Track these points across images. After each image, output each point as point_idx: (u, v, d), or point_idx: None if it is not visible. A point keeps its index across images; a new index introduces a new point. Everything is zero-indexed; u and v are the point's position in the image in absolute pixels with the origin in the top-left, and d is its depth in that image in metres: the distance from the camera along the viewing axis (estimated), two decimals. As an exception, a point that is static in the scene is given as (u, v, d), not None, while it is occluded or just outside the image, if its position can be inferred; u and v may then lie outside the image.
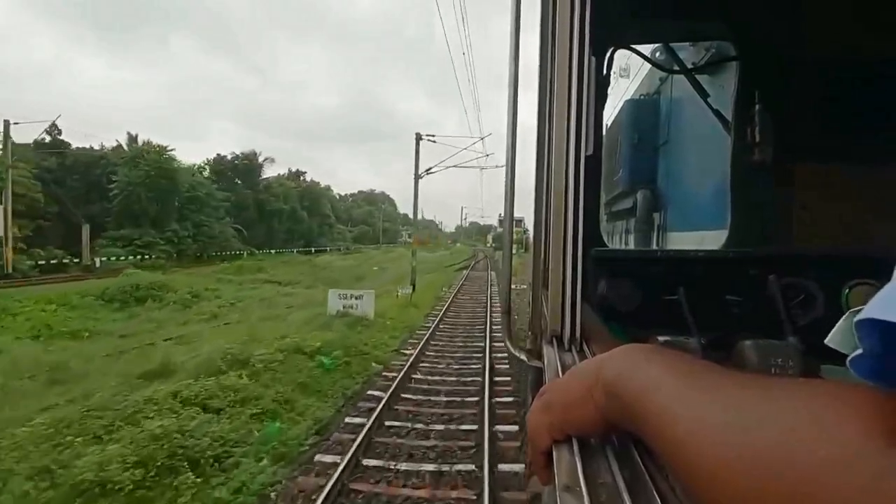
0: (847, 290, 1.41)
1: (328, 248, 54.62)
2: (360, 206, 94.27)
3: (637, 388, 0.39)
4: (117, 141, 36.33)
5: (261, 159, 53.20)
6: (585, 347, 0.92)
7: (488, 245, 65.93)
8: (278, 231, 49.48)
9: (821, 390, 0.29)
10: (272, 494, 4.44)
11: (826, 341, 0.54)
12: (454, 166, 20.83)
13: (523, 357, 1.32)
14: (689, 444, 0.31)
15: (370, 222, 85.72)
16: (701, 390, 0.34)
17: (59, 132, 32.71)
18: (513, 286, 1.46)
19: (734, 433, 0.29)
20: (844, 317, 0.54)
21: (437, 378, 7.92)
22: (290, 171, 61.64)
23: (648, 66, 3.01)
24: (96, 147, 35.08)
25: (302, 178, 61.94)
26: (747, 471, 0.26)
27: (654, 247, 3.53)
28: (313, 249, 50.76)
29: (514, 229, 1.58)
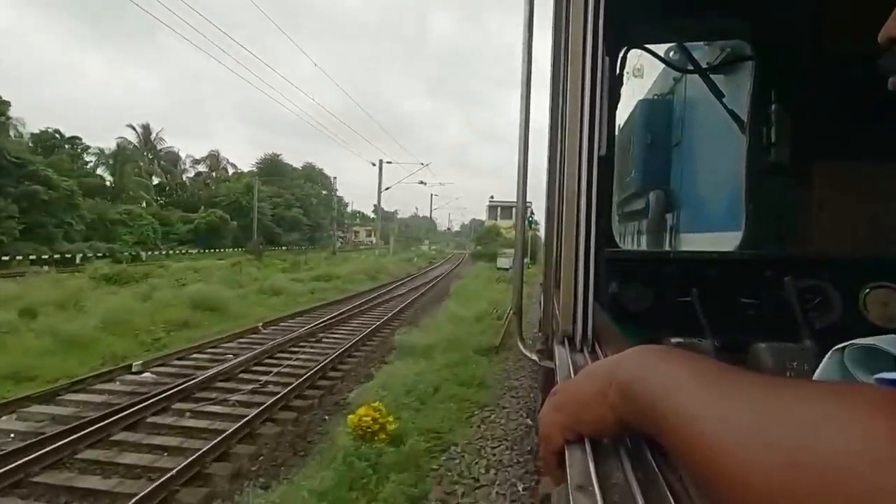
0: (865, 292, 1.39)
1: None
2: (230, 180, 49.54)
3: (654, 388, 0.39)
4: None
5: None
6: (597, 348, 0.92)
7: (476, 247, 42.71)
8: None
9: (850, 391, 0.29)
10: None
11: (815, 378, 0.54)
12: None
13: (534, 357, 1.32)
14: (713, 445, 0.31)
15: (245, 205, 42.72)
16: (723, 391, 0.34)
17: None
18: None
19: (763, 433, 0.29)
20: (829, 355, 0.53)
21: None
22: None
23: (662, 65, 2.99)
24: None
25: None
26: (778, 470, 0.26)
27: (667, 248, 3.50)
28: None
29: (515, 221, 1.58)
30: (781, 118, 1.81)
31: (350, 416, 4.41)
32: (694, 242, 3.00)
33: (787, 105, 1.81)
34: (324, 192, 63.29)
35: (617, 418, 0.44)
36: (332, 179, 66.16)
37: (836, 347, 0.52)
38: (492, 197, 55.13)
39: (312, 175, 62.41)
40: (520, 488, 4.15)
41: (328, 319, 11.44)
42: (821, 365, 0.54)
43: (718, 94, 2.24)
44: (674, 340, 1.23)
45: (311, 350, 8.92)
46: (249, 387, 6.67)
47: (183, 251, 34.51)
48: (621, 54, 2.00)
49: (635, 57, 2.67)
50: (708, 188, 2.87)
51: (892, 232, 1.67)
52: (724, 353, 1.22)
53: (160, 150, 46.72)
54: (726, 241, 2.17)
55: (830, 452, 0.25)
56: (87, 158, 38.44)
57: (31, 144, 32.05)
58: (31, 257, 23.73)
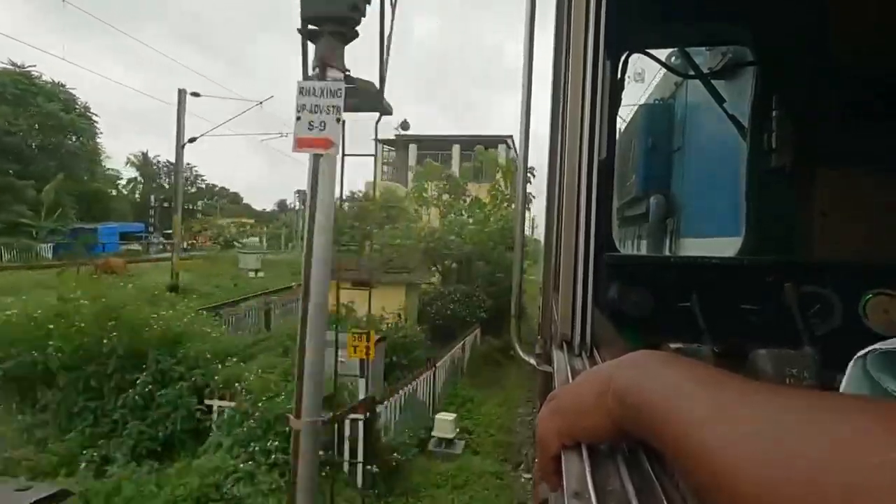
0: (866, 299, 1.39)
1: None
2: None
3: (652, 394, 0.39)
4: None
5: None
6: (596, 353, 0.91)
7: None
8: None
9: (858, 402, 0.29)
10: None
11: (841, 391, 0.53)
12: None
13: (532, 361, 1.31)
14: (713, 454, 0.30)
15: None
16: (724, 398, 0.34)
17: None
18: None
19: (767, 443, 0.28)
20: (853, 363, 0.52)
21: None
22: None
23: (663, 70, 2.99)
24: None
25: None
26: (783, 484, 0.26)
27: (668, 253, 3.50)
28: None
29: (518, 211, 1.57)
30: (783, 124, 1.80)
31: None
32: (694, 247, 3.00)
33: (789, 111, 1.80)
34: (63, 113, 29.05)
35: (614, 424, 0.43)
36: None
37: (859, 355, 0.51)
38: (403, 122, 26.01)
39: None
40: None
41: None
42: (846, 375, 0.53)
43: (720, 100, 2.24)
44: (673, 346, 1.22)
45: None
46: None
47: None
48: (622, 58, 2.00)
49: (636, 61, 2.67)
50: (708, 193, 2.87)
51: (893, 239, 1.66)
52: (724, 358, 1.22)
53: None
54: (727, 246, 2.16)
55: (844, 466, 0.24)
56: None
57: None
58: None
